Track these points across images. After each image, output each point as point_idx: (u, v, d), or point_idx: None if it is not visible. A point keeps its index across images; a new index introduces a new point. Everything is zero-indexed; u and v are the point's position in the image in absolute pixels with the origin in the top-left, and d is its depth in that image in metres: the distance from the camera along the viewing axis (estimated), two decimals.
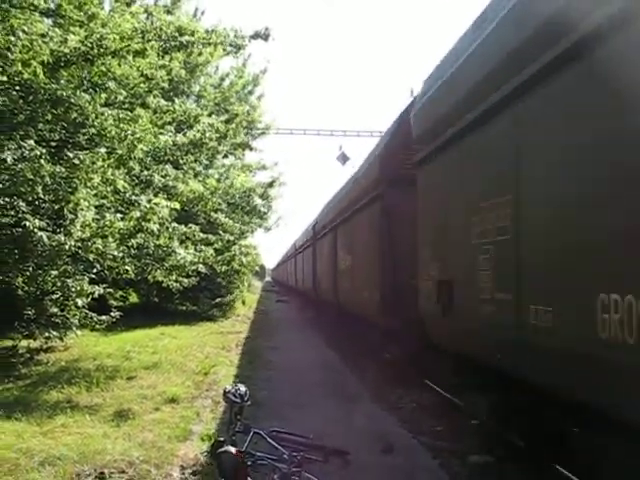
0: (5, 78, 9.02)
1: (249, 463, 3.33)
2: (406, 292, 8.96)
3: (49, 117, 9.63)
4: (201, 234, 13.58)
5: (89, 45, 9.44)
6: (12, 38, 8.48)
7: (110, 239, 10.09)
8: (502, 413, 6.15)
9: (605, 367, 3.79)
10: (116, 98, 11.00)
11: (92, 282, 11.03)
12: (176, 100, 13.92)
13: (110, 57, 9.76)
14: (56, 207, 9.66)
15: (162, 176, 12.34)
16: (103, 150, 9.80)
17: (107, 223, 9.88)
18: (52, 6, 10.03)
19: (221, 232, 17.42)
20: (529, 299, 4.82)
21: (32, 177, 8.23)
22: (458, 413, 8.27)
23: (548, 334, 4.46)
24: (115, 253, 10.25)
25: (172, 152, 12.16)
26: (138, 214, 10.18)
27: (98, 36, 9.48)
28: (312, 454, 3.32)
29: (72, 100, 9.38)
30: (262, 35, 10.79)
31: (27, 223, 8.72)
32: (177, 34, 10.17)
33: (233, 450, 3.27)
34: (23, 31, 8.59)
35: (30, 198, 8.92)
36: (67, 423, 7.49)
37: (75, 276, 10.12)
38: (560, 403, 4.57)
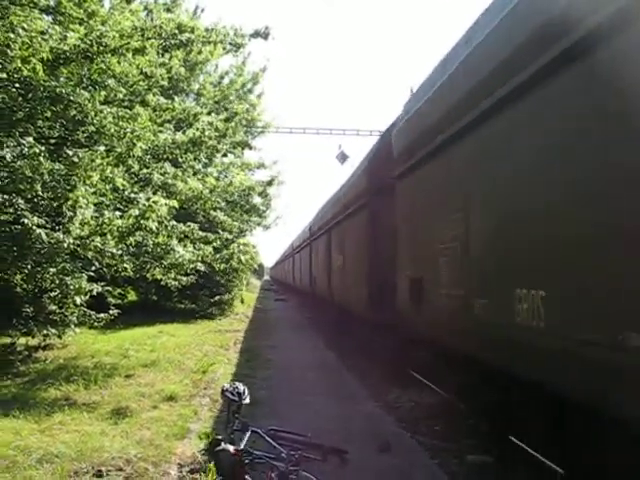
0: (4, 75, 8.99)
1: (247, 461, 3.34)
2: (390, 289, 9.94)
3: (48, 114, 9.61)
4: (200, 232, 13.57)
5: (89, 42, 9.41)
6: (12, 35, 8.44)
7: (109, 237, 10.08)
8: (465, 390, 7.46)
9: (520, 345, 5.12)
10: (115, 96, 10.97)
11: (91, 280, 11.02)
12: (176, 98, 13.91)
13: (110, 55, 9.73)
14: (55, 205, 9.64)
15: (161, 174, 12.32)
16: (102, 148, 9.78)
17: (106, 221, 9.86)
18: (52, 3, 10.01)
19: (220, 230, 17.41)
20: (474, 294, 6.13)
21: (31, 174, 8.21)
22: (456, 413, 8.28)
23: (485, 322, 5.83)
24: (114, 251, 10.24)
25: (171, 150, 12.13)
26: (137, 212, 10.16)
27: (98, 34, 9.45)
28: (310, 453, 3.32)
29: (71, 97, 9.36)
30: (262, 34, 10.78)
31: (26, 220, 8.70)
32: (177, 32, 10.15)
33: (231, 448, 3.28)
34: (23, 28, 8.55)
35: (29, 195, 8.90)
36: (65, 421, 7.48)
37: (73, 274, 10.10)
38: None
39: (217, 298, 24.85)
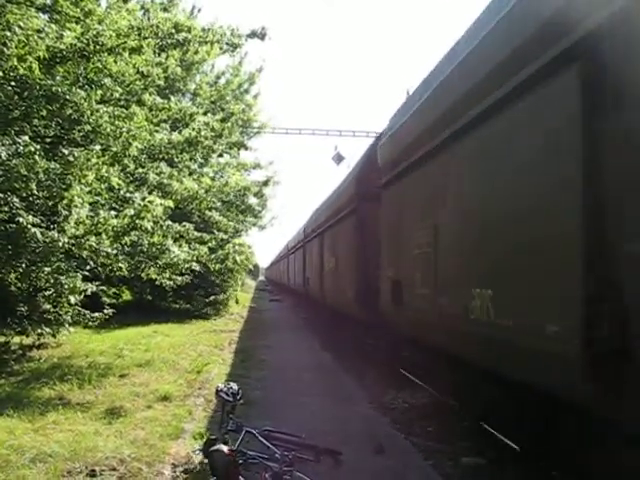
0: (0, 73, 8.97)
1: (241, 462, 3.34)
2: (375, 291, 10.74)
3: (44, 113, 9.58)
4: (195, 232, 13.57)
5: (85, 41, 9.40)
6: (8, 33, 8.43)
7: (104, 236, 10.07)
8: (439, 377, 8.53)
9: (475, 336, 5.99)
10: (112, 95, 10.95)
11: (85, 279, 11.00)
12: (172, 98, 13.89)
13: (106, 54, 9.71)
14: (50, 203, 9.61)
15: (157, 174, 12.32)
16: (98, 147, 9.77)
17: (101, 220, 9.85)
18: (48, 2, 9.99)
19: (215, 230, 17.41)
20: (439, 293, 7.08)
21: (26, 173, 8.19)
22: (450, 414, 8.30)
23: (448, 317, 6.74)
24: (109, 250, 10.22)
25: (167, 150, 12.13)
26: (132, 212, 10.15)
27: (94, 32, 9.43)
28: (304, 453, 3.33)
29: (67, 96, 9.34)
30: (259, 34, 10.76)
31: (21, 219, 8.68)
32: (174, 31, 10.14)
33: (225, 449, 3.28)
34: (19, 26, 8.53)
35: (24, 194, 8.87)
36: (59, 420, 7.46)
37: (68, 273, 10.09)
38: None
39: (212, 298, 24.85)
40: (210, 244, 14.64)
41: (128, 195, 11.07)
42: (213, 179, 18.95)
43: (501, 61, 5.42)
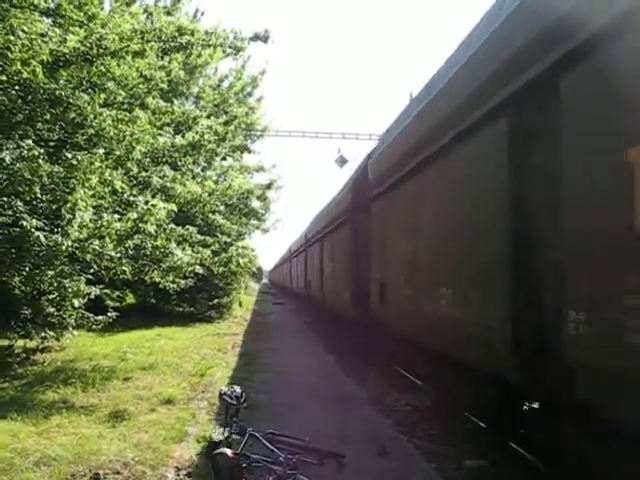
0: (4, 77, 9.00)
1: (244, 465, 3.34)
2: (367, 292, 12.02)
3: (48, 117, 9.61)
4: (198, 235, 13.58)
5: (88, 45, 9.43)
6: (12, 37, 8.46)
7: (107, 240, 10.08)
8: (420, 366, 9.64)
9: (445, 331, 7.06)
10: (115, 98, 10.99)
11: (89, 282, 11.02)
12: (175, 101, 13.94)
13: (109, 57, 9.74)
14: (54, 207, 9.64)
15: (160, 177, 12.32)
16: (101, 151, 9.78)
17: (104, 224, 9.86)
18: (52, 6, 10.02)
19: (218, 234, 17.44)
20: (418, 293, 8.31)
21: (30, 177, 8.20)
22: (453, 417, 8.29)
23: (423, 313, 7.94)
24: (112, 254, 10.24)
25: (170, 153, 12.15)
26: (135, 215, 10.17)
27: (97, 36, 9.47)
28: (307, 457, 3.32)
29: (71, 100, 9.37)
30: (261, 37, 10.79)
31: (24, 223, 8.69)
32: (177, 35, 10.16)
33: (229, 452, 3.27)
34: (23, 30, 8.56)
35: (28, 198, 8.89)
36: (62, 423, 7.48)
37: (72, 276, 10.10)
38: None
39: (215, 301, 24.85)
40: (213, 247, 14.66)
41: (131, 199, 11.08)
42: (216, 182, 18.96)
43: (451, 110, 6.82)
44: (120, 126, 10.07)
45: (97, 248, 9.90)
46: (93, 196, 9.99)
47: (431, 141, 7.47)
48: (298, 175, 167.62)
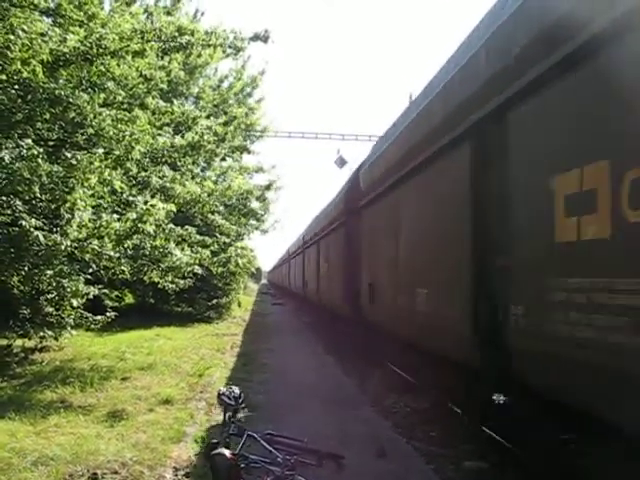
0: (4, 77, 8.99)
1: (243, 466, 3.32)
2: (358, 292, 12.82)
3: (47, 116, 9.61)
4: (197, 236, 13.58)
5: (88, 45, 9.44)
6: (12, 37, 8.45)
7: (106, 240, 10.08)
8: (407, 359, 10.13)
9: (422, 326, 7.90)
10: (115, 98, 10.99)
11: (88, 282, 11.02)
12: (175, 101, 13.93)
13: (109, 57, 9.74)
14: (53, 207, 9.64)
15: (159, 177, 12.32)
16: (101, 150, 9.78)
17: (103, 224, 9.86)
18: (52, 5, 10.02)
19: (218, 234, 17.42)
20: (399, 292, 9.12)
21: (29, 176, 8.20)
22: (452, 418, 8.29)
23: (402, 310, 8.83)
24: (111, 254, 10.23)
25: (170, 154, 12.15)
26: (134, 215, 10.17)
27: (97, 36, 9.47)
28: (306, 458, 3.31)
29: (70, 100, 9.38)
30: (261, 37, 10.79)
31: (23, 222, 8.68)
32: (177, 35, 10.17)
33: (227, 452, 3.26)
34: (23, 30, 8.56)
35: (27, 197, 8.89)
36: (60, 423, 7.47)
37: (71, 276, 10.10)
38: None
39: (214, 301, 24.85)
40: (212, 247, 14.65)
41: (131, 198, 11.08)
42: (216, 183, 18.96)
43: (427, 132, 7.74)
44: (120, 126, 10.07)
45: (96, 248, 9.90)
46: (92, 196, 9.99)
47: (411, 158, 8.42)
48: (297, 176, 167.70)
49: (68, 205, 9.31)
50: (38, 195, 8.72)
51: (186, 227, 12.83)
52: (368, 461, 6.34)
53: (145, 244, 11.06)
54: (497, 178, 5.67)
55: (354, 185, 13.93)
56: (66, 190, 9.05)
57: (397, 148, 9.52)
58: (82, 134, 10.23)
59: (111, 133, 9.98)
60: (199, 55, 12.29)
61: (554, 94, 4.63)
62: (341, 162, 32.51)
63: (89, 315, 12.03)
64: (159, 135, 11.73)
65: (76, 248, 9.68)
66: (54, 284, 9.97)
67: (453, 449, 7.36)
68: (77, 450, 6.25)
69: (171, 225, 11.66)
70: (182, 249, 12.27)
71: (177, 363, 12.41)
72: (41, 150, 8.55)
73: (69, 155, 9.15)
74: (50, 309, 11.59)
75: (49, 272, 9.76)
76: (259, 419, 7.12)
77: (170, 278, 12.81)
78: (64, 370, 10.84)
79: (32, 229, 8.71)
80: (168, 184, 12.37)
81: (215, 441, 3.52)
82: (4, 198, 8.94)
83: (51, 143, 10.56)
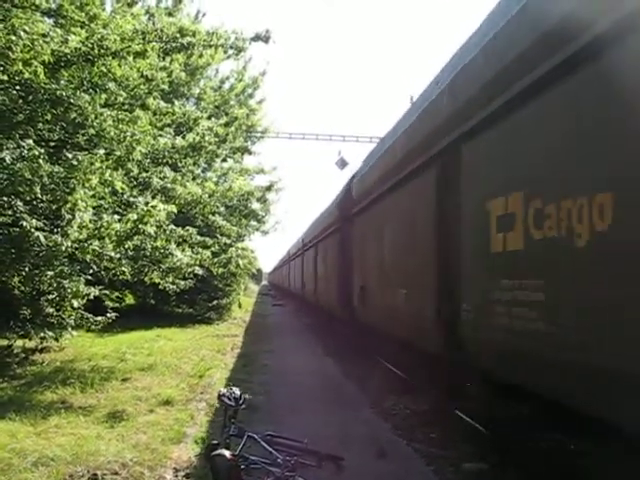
0: (6, 77, 9.01)
1: (243, 467, 3.32)
2: (351, 294, 13.47)
3: (48, 117, 9.61)
4: (198, 237, 13.58)
5: (90, 46, 9.45)
6: (13, 37, 8.46)
7: (107, 240, 10.08)
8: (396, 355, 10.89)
9: (403, 322, 8.76)
10: (116, 99, 11.00)
11: (88, 283, 11.02)
12: (176, 102, 13.95)
13: (110, 58, 9.75)
14: (54, 207, 9.64)
15: (160, 178, 12.32)
16: (102, 151, 9.78)
17: (104, 224, 9.87)
18: (53, 6, 10.03)
19: (218, 235, 17.42)
20: (386, 293, 9.84)
21: (30, 177, 8.20)
22: (452, 420, 8.29)
23: (389, 308, 9.58)
24: (112, 254, 10.24)
25: (171, 155, 12.16)
26: (135, 216, 10.17)
27: (99, 37, 9.48)
28: (306, 459, 3.31)
29: (72, 100, 9.38)
30: (263, 37, 10.79)
31: (24, 223, 8.69)
32: (178, 35, 10.17)
33: (227, 453, 3.26)
34: (24, 31, 8.57)
35: (28, 198, 8.89)
36: (61, 424, 7.48)
37: (71, 277, 10.10)
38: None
39: (215, 302, 24.84)
40: (213, 248, 14.65)
41: (132, 199, 11.09)
42: (216, 184, 18.96)
43: (405, 154, 8.72)
44: (121, 127, 10.08)
45: (97, 249, 9.91)
46: (93, 196, 9.99)
47: (393, 175, 9.41)
48: (298, 177, 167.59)
49: (69, 206, 9.31)
50: (39, 196, 8.72)
51: (187, 228, 12.83)
52: (368, 462, 6.33)
53: (146, 245, 11.07)
54: (454, 197, 6.61)
55: (347, 193, 14.72)
56: (67, 191, 9.06)
57: (383, 164, 10.56)
58: (83, 135, 10.24)
59: (112, 134, 9.98)
60: (200, 56, 12.34)
61: (490, 136, 5.67)
62: (342, 163, 32.51)
63: (90, 316, 12.03)
64: (160, 136, 11.74)
65: (77, 249, 9.68)
66: (55, 285, 9.97)
67: (454, 451, 7.35)
68: (77, 451, 6.26)
69: (172, 226, 11.67)
70: (183, 250, 12.28)
71: (177, 364, 12.41)
72: (42, 151, 8.55)
73: (70, 156, 9.16)
74: (51, 310, 11.59)
75: (50, 273, 9.76)
76: (259, 420, 7.12)
77: (171, 279, 12.82)
78: (64, 371, 10.85)
79: (33, 230, 8.72)
80: (169, 185, 12.38)
81: (215, 442, 3.52)
82: (5, 199, 8.94)
83: (52, 144, 10.57)
